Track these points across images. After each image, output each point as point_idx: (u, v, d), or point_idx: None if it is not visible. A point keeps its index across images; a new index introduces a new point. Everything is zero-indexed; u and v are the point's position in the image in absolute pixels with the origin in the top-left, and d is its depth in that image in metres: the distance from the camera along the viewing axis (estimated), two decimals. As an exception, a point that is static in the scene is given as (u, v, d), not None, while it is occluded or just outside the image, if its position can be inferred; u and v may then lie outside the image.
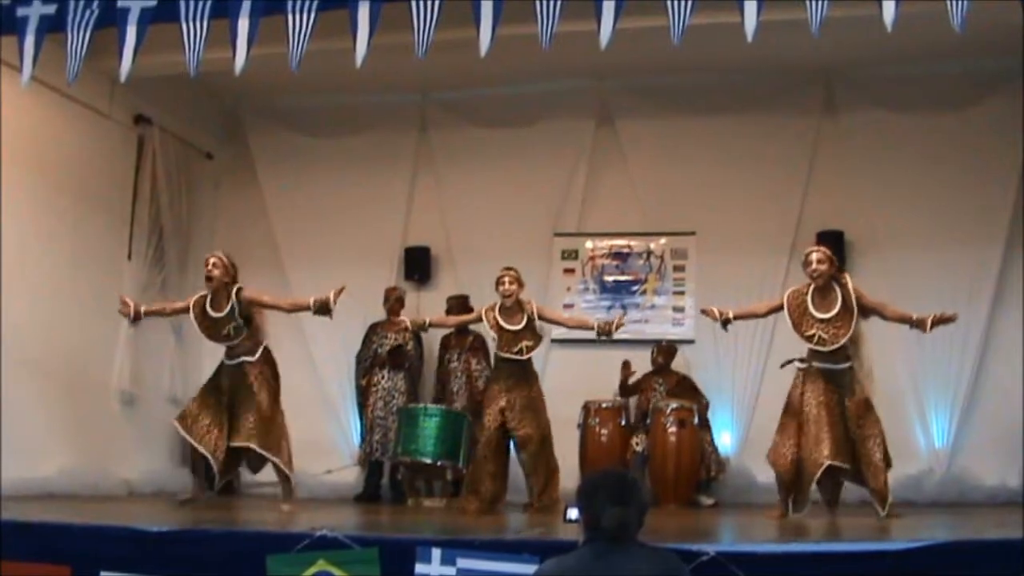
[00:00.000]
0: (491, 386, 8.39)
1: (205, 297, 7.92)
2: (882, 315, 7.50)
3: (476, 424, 8.51)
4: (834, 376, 7.37)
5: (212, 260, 7.87)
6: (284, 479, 7.99)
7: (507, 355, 8.13)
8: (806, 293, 7.45)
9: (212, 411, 7.81)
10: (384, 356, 10.09)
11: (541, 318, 8.22)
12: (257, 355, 7.93)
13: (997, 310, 9.83)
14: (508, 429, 8.14)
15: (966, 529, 6.95)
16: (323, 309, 7.73)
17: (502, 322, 8.14)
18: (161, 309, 8.44)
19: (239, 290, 7.83)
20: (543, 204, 10.90)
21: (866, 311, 7.41)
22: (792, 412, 7.43)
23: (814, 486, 7.32)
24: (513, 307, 8.15)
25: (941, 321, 7.47)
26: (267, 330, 8.10)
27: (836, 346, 7.30)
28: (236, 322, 7.80)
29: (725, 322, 7.70)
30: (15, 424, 8.24)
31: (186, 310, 8.01)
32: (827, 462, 7.15)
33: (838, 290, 7.39)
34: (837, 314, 7.32)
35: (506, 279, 8.13)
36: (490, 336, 8.33)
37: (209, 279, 7.82)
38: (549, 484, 8.25)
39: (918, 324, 7.48)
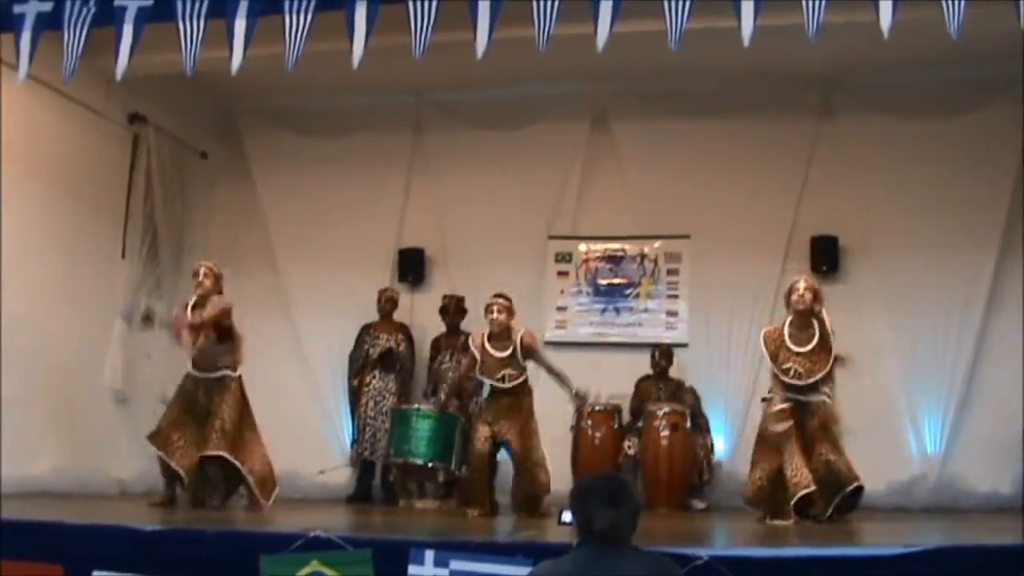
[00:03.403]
0: (480, 413, 8.31)
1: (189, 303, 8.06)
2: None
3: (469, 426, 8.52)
4: (803, 407, 7.49)
5: (203, 271, 7.99)
6: (254, 497, 7.91)
7: (490, 381, 8.08)
8: (783, 327, 7.59)
9: (187, 428, 7.83)
10: (375, 359, 10.08)
11: (528, 356, 8.03)
12: (238, 371, 7.97)
13: (991, 315, 9.83)
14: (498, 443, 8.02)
15: (959, 535, 6.95)
16: None
17: (488, 347, 8.02)
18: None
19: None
20: (537, 206, 10.90)
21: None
22: (764, 441, 7.59)
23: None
24: (502, 334, 8.01)
25: None
26: (246, 350, 8.12)
27: (812, 380, 7.41)
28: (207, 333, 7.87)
29: None
30: (8, 422, 8.23)
31: None
32: (811, 487, 7.28)
33: (816, 325, 7.50)
34: (814, 349, 7.46)
35: (495, 308, 7.96)
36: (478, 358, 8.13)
37: (199, 287, 7.95)
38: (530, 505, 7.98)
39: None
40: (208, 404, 7.87)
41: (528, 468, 7.93)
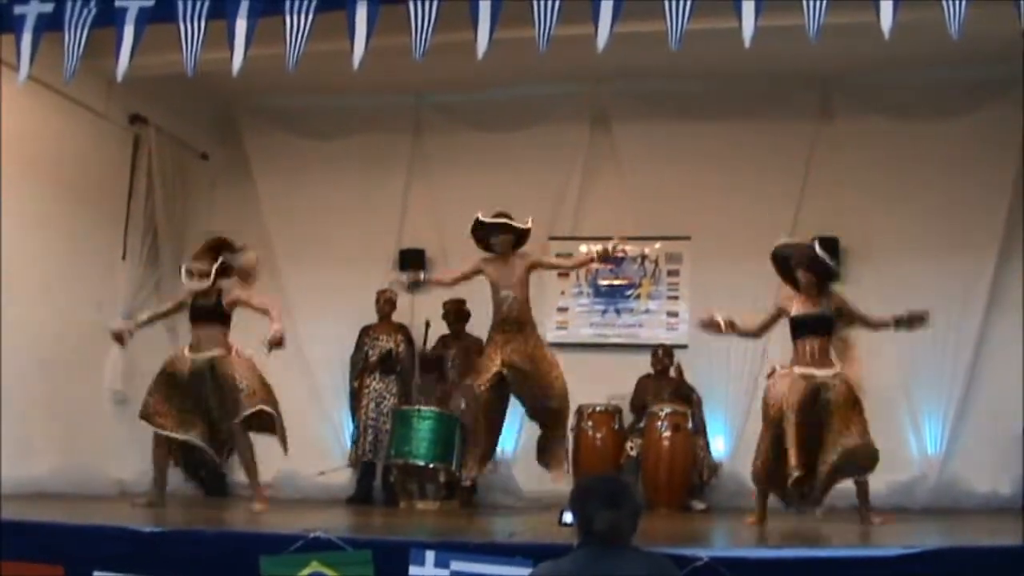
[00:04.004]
0: (486, 348, 8.49)
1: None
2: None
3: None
4: (816, 383, 7.14)
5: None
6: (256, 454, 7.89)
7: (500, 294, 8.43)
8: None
9: (177, 403, 7.62)
10: (375, 361, 10.06)
11: (540, 266, 8.70)
12: (234, 352, 7.76)
13: (991, 316, 9.84)
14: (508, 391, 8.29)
15: (959, 535, 6.96)
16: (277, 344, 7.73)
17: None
18: (152, 316, 8.36)
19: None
20: (538, 208, 10.84)
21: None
22: (766, 417, 7.29)
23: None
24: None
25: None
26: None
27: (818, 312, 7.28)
28: (217, 299, 7.79)
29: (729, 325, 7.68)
30: (7, 423, 8.23)
31: (179, 308, 8.05)
32: (795, 473, 6.94)
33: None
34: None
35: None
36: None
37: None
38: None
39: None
40: (192, 383, 7.62)
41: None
